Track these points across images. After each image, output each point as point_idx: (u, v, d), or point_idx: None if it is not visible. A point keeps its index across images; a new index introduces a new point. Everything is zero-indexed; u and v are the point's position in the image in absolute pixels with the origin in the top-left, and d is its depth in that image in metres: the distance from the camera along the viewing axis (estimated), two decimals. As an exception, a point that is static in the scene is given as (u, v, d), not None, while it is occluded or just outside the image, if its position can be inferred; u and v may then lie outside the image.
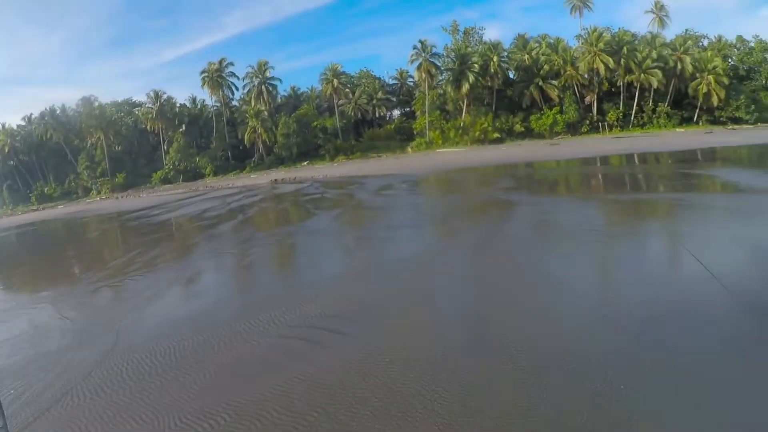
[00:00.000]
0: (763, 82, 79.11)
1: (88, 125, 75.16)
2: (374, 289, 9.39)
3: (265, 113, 72.40)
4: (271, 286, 11.24)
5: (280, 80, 75.43)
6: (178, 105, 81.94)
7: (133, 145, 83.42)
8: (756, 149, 33.88)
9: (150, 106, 79.51)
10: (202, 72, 76.89)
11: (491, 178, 30.13)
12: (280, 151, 70.90)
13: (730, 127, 70.89)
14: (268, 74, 75.12)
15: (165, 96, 78.53)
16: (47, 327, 9.68)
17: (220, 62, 77.28)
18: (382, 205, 22.82)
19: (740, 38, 78.20)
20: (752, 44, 77.80)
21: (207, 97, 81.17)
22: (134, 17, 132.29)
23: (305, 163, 68.66)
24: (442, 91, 66.33)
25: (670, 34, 71.69)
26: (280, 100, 76.12)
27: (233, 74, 78.06)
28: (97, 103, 79.83)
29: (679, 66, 68.38)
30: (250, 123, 71.56)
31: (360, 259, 12.65)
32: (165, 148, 78.12)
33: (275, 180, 51.12)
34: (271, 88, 75.16)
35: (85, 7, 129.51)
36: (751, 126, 73.71)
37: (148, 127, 78.97)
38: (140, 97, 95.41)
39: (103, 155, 77.65)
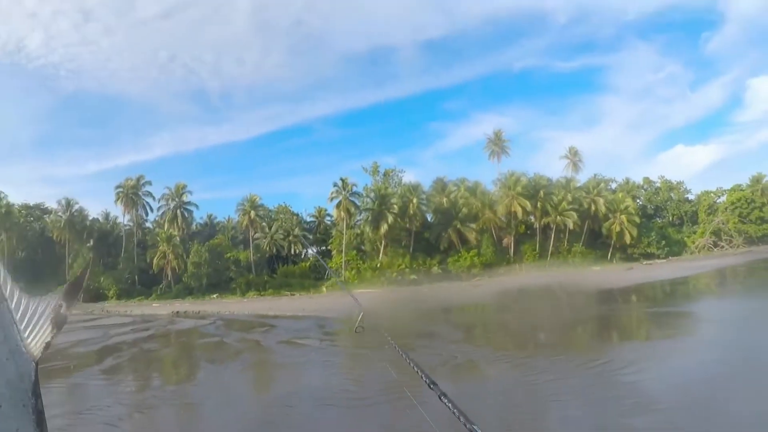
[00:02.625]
0: (670, 218, 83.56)
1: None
2: None
3: (178, 239, 68.51)
4: None
5: (196, 206, 72.51)
6: (90, 218, 76.96)
7: (37, 253, 76.68)
8: (680, 280, 34.27)
9: (60, 215, 74.19)
10: (117, 187, 73.08)
11: (417, 324, 27.64)
12: (189, 281, 66.45)
13: (646, 262, 73.31)
14: (185, 198, 72.08)
15: (77, 206, 73.61)
16: None
17: (138, 179, 73.87)
18: (295, 362, 18.89)
19: (647, 179, 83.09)
20: (658, 184, 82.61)
21: (120, 215, 76.75)
22: (65, 121, 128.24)
23: (214, 295, 64.40)
24: (359, 231, 65.12)
25: (582, 178, 74.69)
26: (195, 227, 72.79)
27: (149, 194, 74.56)
28: (4, 202, 73.65)
29: (593, 207, 70.85)
30: (160, 247, 67.37)
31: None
32: (69, 261, 72.16)
33: (177, 312, 47.28)
34: (186, 214, 71.89)
35: (19, 101, 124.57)
36: (663, 260, 76.58)
37: (55, 237, 73.20)
38: (54, 204, 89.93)
39: (2, 259, 70.41)
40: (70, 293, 0.77)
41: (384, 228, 62.77)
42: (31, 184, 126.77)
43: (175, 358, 22.36)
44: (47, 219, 78.07)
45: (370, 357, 16.72)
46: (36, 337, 0.71)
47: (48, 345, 0.73)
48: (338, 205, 64.10)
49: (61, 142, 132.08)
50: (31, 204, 79.11)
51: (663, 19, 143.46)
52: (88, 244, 75.56)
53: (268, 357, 20.44)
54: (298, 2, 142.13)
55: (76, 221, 73.90)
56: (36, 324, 0.71)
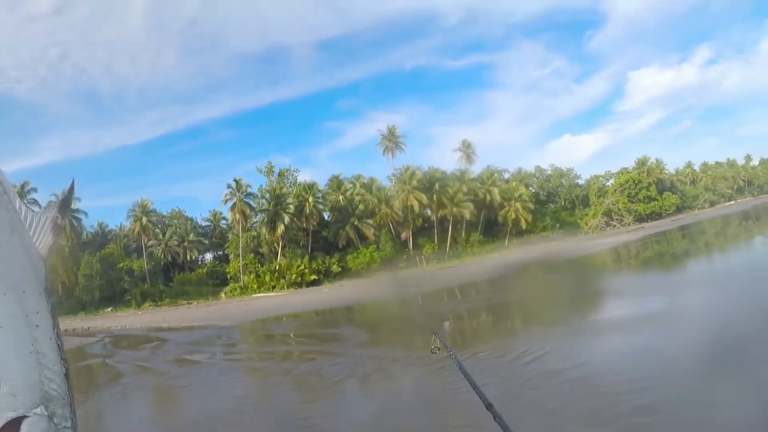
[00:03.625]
0: (563, 203, 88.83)
1: None
2: None
3: (66, 250, 64.79)
4: None
5: (86, 213, 68.50)
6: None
7: None
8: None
9: None
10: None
11: (320, 328, 26.47)
12: (81, 295, 63.01)
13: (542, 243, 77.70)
14: (73, 206, 68.05)
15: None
16: None
17: (22, 186, 68.79)
18: (187, 384, 16.22)
19: (538, 168, 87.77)
20: (549, 172, 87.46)
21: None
22: None
23: (109, 309, 61.56)
24: (256, 233, 64.34)
25: (476, 169, 77.54)
26: (85, 237, 68.95)
27: (35, 201, 69.43)
28: None
29: (488, 197, 73.83)
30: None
31: None
32: None
33: (63, 330, 44.56)
34: (75, 222, 67.93)
35: None
36: (558, 242, 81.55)
37: None
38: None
39: None
40: (63, 206, 0.87)
41: (281, 229, 62.38)
42: None
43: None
44: None
45: (269, 372, 15.82)
46: (41, 240, 0.81)
47: (52, 248, 0.83)
48: (233, 208, 62.89)
49: None
50: None
51: (548, 20, 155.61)
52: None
53: (153, 380, 18.26)
54: (193, 2, 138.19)
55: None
56: (39, 229, 0.82)
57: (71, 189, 0.97)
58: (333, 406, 10.25)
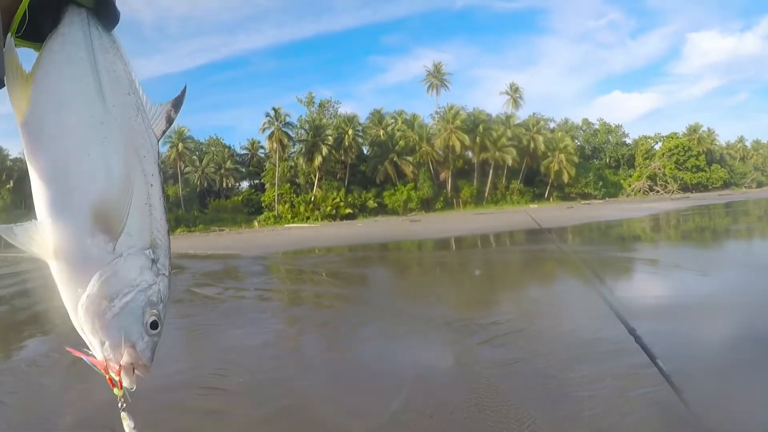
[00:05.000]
0: (607, 161, 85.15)
1: None
2: None
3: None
4: None
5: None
6: (10, 158, 72.45)
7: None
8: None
9: None
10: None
11: (351, 266, 24.44)
12: (116, 219, 63.40)
13: (584, 202, 74.57)
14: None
15: (-8, 146, 69.30)
16: None
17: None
18: (179, 325, 13.60)
19: (586, 121, 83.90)
20: (597, 126, 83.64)
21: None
22: None
23: (143, 233, 61.71)
24: (293, 164, 63.02)
25: (521, 116, 74.52)
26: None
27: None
28: None
29: (532, 145, 70.91)
30: (84, 184, 63.76)
31: None
32: None
33: None
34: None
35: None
36: (600, 201, 78.17)
37: None
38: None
39: None
40: (176, 103, 0.97)
41: (318, 160, 60.90)
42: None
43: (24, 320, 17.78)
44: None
45: (282, 321, 12.33)
46: (157, 124, 0.94)
47: (164, 132, 0.96)
48: (270, 136, 61.52)
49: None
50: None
51: None
52: (7, 186, 71.11)
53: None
54: None
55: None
56: (157, 115, 0.94)
57: (184, 91, 1.06)
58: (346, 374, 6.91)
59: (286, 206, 61.83)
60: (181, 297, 17.03)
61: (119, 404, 0.82)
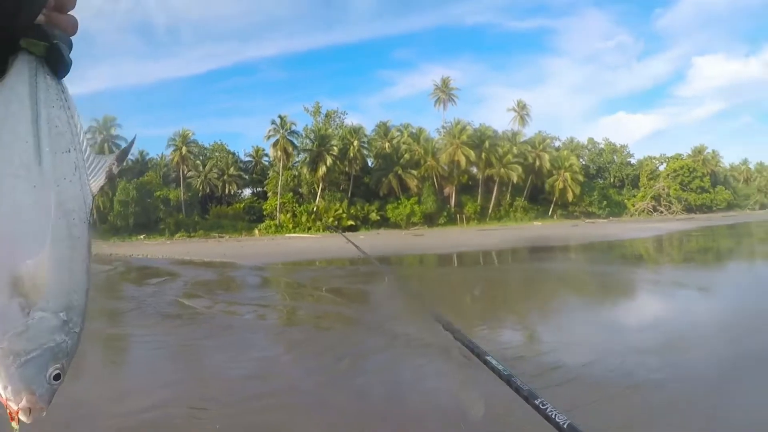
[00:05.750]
0: (612, 180, 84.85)
1: None
2: None
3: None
4: None
5: (126, 140, 67.91)
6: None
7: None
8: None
9: None
10: (41, 119, 67.60)
11: (351, 281, 21.71)
12: (115, 220, 62.69)
13: (588, 221, 74.22)
14: (113, 132, 67.30)
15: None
16: None
17: (65, 112, 68.64)
18: (158, 344, 11.31)
19: (591, 140, 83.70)
20: (602, 146, 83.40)
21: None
22: None
23: (141, 236, 61.07)
24: (297, 173, 62.59)
25: (527, 133, 74.30)
26: (125, 164, 68.24)
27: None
28: None
29: (537, 162, 70.63)
30: (85, 185, 63.05)
31: None
32: None
33: None
34: (114, 148, 67.20)
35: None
36: (604, 220, 77.84)
37: None
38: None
39: None
40: (121, 156, 0.95)
41: (322, 170, 60.48)
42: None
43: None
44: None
45: (273, 343, 11.48)
46: (95, 179, 0.91)
47: (101, 189, 0.93)
48: (275, 144, 61.13)
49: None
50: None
51: None
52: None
53: (123, 331, 13.96)
54: None
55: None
56: (96, 170, 0.91)
57: (131, 143, 1.05)
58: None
59: (288, 215, 61.37)
60: (167, 309, 15.79)
61: None
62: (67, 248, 0.87)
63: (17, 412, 0.84)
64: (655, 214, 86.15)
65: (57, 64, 0.92)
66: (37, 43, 0.89)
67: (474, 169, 67.99)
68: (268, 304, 17.57)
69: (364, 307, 15.91)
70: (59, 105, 0.92)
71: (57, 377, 0.86)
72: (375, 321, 13.17)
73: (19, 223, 0.84)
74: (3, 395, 0.83)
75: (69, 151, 0.90)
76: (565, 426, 0.92)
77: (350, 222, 61.00)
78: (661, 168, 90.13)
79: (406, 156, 63.75)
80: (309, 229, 60.48)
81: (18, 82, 0.89)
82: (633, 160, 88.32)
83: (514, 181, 68.14)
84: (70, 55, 0.93)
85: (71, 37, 0.94)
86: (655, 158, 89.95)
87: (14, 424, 0.86)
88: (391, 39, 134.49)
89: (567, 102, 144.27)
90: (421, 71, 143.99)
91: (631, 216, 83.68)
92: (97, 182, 0.92)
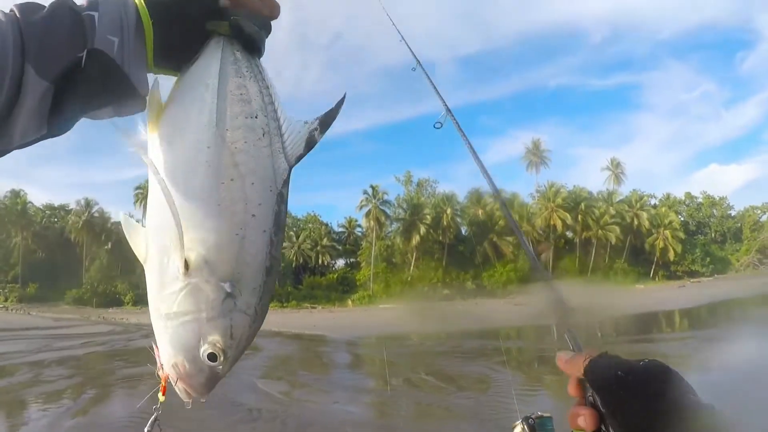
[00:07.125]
0: (713, 235, 79.33)
1: (9, 221, 67.50)
2: None
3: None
4: None
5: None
6: (111, 221, 75.04)
7: (56, 254, 74.92)
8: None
9: (78, 216, 72.80)
10: (137, 188, 70.77)
11: (457, 361, 18.74)
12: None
13: (693, 280, 69.38)
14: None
15: (97, 207, 71.95)
16: None
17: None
18: None
19: (688, 194, 79.18)
20: (700, 200, 78.65)
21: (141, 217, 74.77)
22: (102, 126, 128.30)
23: (236, 307, 61.81)
24: (390, 243, 62.04)
25: (622, 192, 71.33)
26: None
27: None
28: (21, 199, 72.11)
29: (635, 222, 67.24)
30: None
31: None
32: (86, 264, 70.46)
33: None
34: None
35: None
36: (709, 278, 72.44)
37: (73, 238, 71.63)
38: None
39: (19, 258, 69.54)
40: (324, 120, 0.91)
41: (416, 239, 59.70)
42: (69, 189, 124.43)
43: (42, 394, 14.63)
44: (69, 220, 76.76)
45: None
46: (293, 147, 0.90)
47: (300, 158, 0.91)
48: (368, 214, 61.19)
49: (97, 148, 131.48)
50: (55, 204, 77.71)
51: (697, 38, 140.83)
52: (105, 247, 73.69)
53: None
54: (337, 18, 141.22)
55: (95, 223, 72.37)
56: (294, 137, 0.90)
57: (339, 104, 0.97)
58: None
59: (381, 285, 60.44)
60: (234, 395, 12.89)
61: (155, 409, 0.84)
62: (239, 212, 0.82)
63: (164, 380, 0.82)
64: (761, 267, 79.60)
65: (245, 41, 0.93)
66: (220, 23, 0.91)
67: (569, 233, 65.34)
68: (360, 388, 15.22)
69: (481, 396, 13.23)
70: (249, 77, 0.92)
71: (212, 357, 0.79)
72: (496, 415, 10.47)
73: (190, 181, 0.82)
74: (158, 359, 0.82)
75: (255, 117, 0.89)
76: None
77: (446, 291, 59.35)
78: (764, 218, 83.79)
79: (501, 222, 61.95)
80: (403, 299, 59.25)
81: (210, 57, 0.91)
82: (733, 212, 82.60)
83: (612, 242, 64.89)
84: (262, 34, 0.96)
85: (271, 19, 0.96)
86: (757, 207, 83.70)
87: (161, 396, 0.84)
88: (476, 106, 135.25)
89: (657, 158, 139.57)
90: (509, 136, 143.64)
91: (737, 272, 77.57)
92: (294, 150, 0.89)
